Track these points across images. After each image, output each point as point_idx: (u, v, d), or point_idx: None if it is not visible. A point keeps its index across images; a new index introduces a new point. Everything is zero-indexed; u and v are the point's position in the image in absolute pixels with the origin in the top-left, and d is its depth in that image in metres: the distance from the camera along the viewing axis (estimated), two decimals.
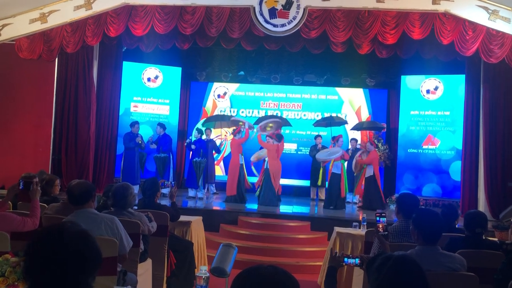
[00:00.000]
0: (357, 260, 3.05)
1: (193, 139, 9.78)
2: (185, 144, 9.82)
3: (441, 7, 7.90)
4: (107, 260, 3.24)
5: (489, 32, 7.83)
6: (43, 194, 4.97)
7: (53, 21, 8.47)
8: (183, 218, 5.80)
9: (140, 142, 9.36)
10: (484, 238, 3.85)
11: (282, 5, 8.20)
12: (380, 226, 3.41)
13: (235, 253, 2.16)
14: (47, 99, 8.74)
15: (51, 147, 8.80)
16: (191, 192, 9.45)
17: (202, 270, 2.23)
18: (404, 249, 2.95)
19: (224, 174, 11.60)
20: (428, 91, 10.36)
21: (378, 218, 3.49)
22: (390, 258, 1.74)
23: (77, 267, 1.41)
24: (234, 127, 9.88)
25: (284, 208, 8.68)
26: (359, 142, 10.66)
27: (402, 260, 1.73)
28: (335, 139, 9.42)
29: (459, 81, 9.83)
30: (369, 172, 9.20)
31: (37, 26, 8.54)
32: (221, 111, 11.80)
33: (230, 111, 11.84)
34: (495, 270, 3.01)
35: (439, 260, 2.84)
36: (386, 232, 3.37)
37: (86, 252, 1.43)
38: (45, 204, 4.55)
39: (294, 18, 8.21)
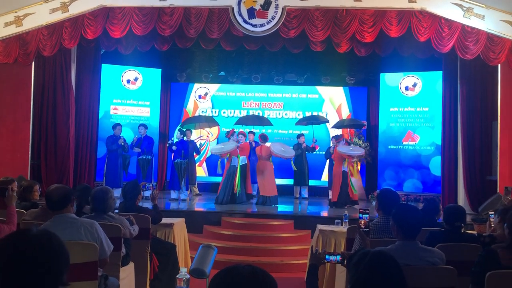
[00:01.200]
0: (338, 257, 3.07)
1: (175, 140, 9.72)
2: (167, 145, 9.77)
3: (417, 5, 8.01)
4: (87, 265, 3.21)
5: (464, 29, 7.98)
6: (22, 200, 4.91)
7: (29, 24, 8.33)
8: (165, 220, 5.76)
9: (122, 143, 9.28)
10: (463, 231, 3.91)
11: (260, 5, 8.22)
12: (362, 223, 3.44)
13: (215, 254, 2.15)
14: (24, 104, 8.59)
15: (29, 152, 8.65)
16: (173, 194, 9.40)
17: (182, 272, 2.22)
18: (385, 245, 2.98)
19: (207, 175, 11.59)
20: (407, 88, 10.50)
21: (360, 215, 3.52)
22: (367, 254, 1.77)
23: (36, 276, 1.39)
24: (227, 131, 9.88)
25: (267, 208, 8.70)
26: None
27: (379, 256, 1.76)
28: (339, 139, 9.46)
29: (437, 77, 9.99)
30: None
31: (12, 30, 8.39)
32: (202, 111, 11.78)
33: (212, 111, 11.83)
34: (473, 262, 3.06)
35: (419, 254, 2.88)
36: (368, 229, 3.40)
37: (44, 260, 1.41)
38: (23, 210, 4.48)
39: (273, 18, 8.24)
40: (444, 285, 2.91)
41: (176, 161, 9.26)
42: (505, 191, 6.95)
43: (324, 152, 10.60)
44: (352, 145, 9.90)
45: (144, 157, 9.43)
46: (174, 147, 9.34)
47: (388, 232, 3.59)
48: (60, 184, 6.83)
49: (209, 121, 10.76)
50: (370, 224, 3.83)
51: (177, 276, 2.30)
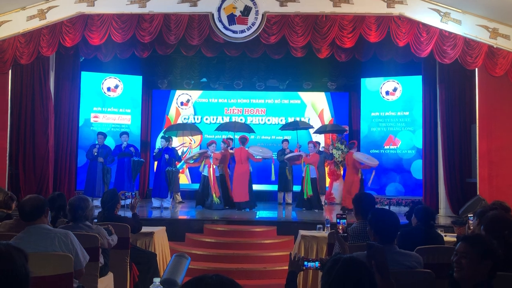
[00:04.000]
0: (317, 263, 3.04)
1: (159, 147, 9.63)
2: (154, 154, 9.59)
3: (395, 10, 8.09)
4: (62, 277, 3.14)
5: (442, 33, 8.08)
6: None
7: (5, 32, 8.18)
8: (146, 229, 5.70)
9: (95, 153, 9.18)
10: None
11: (240, 12, 8.22)
12: (340, 228, 3.43)
13: (188, 264, 2.11)
14: (1, 112, 8.41)
15: (7, 162, 8.45)
16: (155, 202, 9.30)
17: (156, 282, 2.17)
18: (363, 250, 2.96)
19: (190, 182, 11.51)
20: (387, 93, 10.59)
21: (338, 220, 3.51)
22: (339, 260, 1.75)
23: None
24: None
25: (250, 214, 8.66)
26: (322, 145, 10.79)
27: (350, 262, 1.74)
28: (353, 146, 9.54)
29: (416, 81, 10.10)
30: (312, 174, 9.33)
31: None
32: (184, 118, 11.72)
33: (194, 118, 11.78)
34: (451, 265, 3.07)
35: (396, 258, 2.87)
36: (346, 234, 3.39)
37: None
38: None
39: (253, 24, 8.24)
40: None
41: (167, 169, 9.16)
42: None
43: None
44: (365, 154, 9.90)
45: (137, 159, 9.37)
46: (166, 156, 9.21)
47: (367, 236, 3.59)
48: (38, 194, 6.71)
49: (192, 129, 10.69)
50: (349, 229, 3.82)
51: (150, 287, 2.26)
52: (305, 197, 9.28)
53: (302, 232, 5.87)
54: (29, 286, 1.40)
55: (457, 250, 2.33)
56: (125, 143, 9.61)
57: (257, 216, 8.44)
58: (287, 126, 10.75)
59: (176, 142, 10.90)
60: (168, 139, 9.60)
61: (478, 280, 2.19)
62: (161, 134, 10.80)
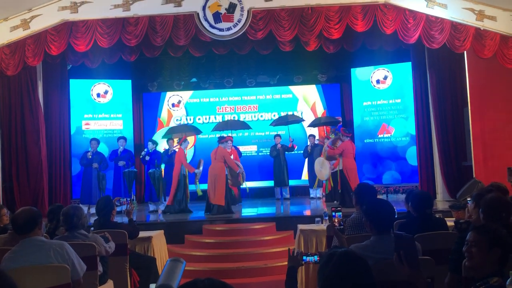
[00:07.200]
0: (316, 257, 3.03)
1: (150, 151, 9.57)
2: (140, 157, 9.59)
3: None
4: None
5: (428, 19, 8.07)
6: None
7: None
8: (144, 233, 5.67)
9: (90, 157, 9.11)
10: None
11: (225, 9, 8.18)
12: (336, 221, 3.42)
13: (183, 268, 2.09)
14: None
15: (0, 175, 8.40)
16: (152, 206, 9.26)
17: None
18: (360, 241, 2.95)
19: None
20: (378, 81, 10.57)
21: (333, 213, 3.50)
22: (334, 254, 1.73)
23: None
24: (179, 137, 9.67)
25: (248, 211, 8.63)
26: (317, 137, 10.77)
27: (345, 256, 1.72)
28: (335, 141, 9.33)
29: (406, 68, 10.08)
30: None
31: None
32: (177, 120, 11.67)
33: (187, 119, 11.72)
34: (450, 250, 3.05)
35: (394, 247, 2.85)
36: (342, 226, 3.37)
37: None
38: None
39: (239, 20, 8.20)
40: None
41: (149, 171, 9.14)
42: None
43: (302, 151, 10.67)
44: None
45: (129, 169, 9.32)
46: (146, 157, 9.20)
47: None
48: (34, 205, 6.65)
49: (193, 130, 10.46)
50: (348, 220, 3.81)
51: None
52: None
53: (300, 226, 5.85)
54: None
55: (468, 240, 2.35)
56: (121, 147, 9.54)
57: (255, 213, 8.41)
58: (277, 121, 10.70)
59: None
60: (155, 142, 9.55)
61: (489, 269, 2.19)
62: (163, 135, 10.60)
